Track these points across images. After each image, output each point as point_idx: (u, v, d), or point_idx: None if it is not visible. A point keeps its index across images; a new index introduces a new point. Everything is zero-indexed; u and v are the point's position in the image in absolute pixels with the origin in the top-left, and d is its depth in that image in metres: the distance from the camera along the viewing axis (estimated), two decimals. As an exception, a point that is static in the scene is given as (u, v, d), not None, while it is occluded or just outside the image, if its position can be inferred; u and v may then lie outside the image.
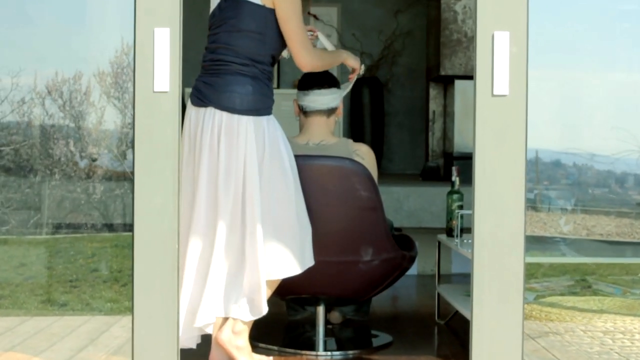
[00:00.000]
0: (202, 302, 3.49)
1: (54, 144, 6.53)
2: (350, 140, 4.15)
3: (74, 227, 6.60)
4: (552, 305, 4.61)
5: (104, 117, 6.55)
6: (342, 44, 8.49)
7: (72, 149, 6.53)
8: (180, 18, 3.05)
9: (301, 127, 4.20)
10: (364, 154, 4.10)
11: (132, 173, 2.84)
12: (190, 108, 3.67)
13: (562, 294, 5.00)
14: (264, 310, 3.58)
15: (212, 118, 3.56)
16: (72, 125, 6.71)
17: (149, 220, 2.94)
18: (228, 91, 3.56)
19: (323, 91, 4.13)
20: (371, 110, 8.21)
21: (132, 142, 2.87)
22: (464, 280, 5.83)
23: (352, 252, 3.98)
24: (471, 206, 3.05)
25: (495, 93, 3.04)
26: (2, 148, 6.43)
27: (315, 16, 8.55)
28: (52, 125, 6.65)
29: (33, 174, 6.59)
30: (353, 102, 8.28)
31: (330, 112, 4.17)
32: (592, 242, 5.70)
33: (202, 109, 3.61)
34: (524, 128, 2.95)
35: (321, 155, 3.94)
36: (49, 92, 6.63)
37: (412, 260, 4.27)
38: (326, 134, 4.14)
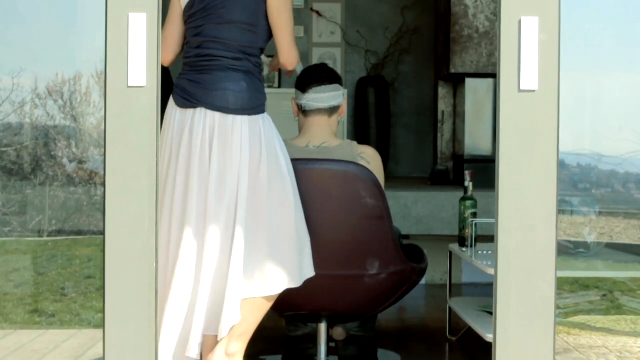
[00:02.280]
0: (194, 330, 3.25)
1: (55, 145, 6.58)
2: (355, 143, 3.94)
3: (76, 231, 6.58)
4: (579, 325, 4.28)
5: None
6: (347, 42, 8.44)
7: (74, 150, 6.58)
8: (160, 2, 2.71)
9: (300, 128, 3.99)
10: (369, 158, 3.90)
11: (104, 181, 2.46)
12: (174, 109, 3.42)
13: (588, 312, 4.69)
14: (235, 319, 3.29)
15: (202, 120, 3.33)
16: (73, 125, 6.79)
17: (122, 236, 2.58)
18: (220, 89, 3.35)
19: (324, 88, 3.91)
20: (376, 110, 8.16)
21: (104, 144, 2.50)
22: (476, 291, 5.93)
23: (357, 265, 3.81)
24: (493, 215, 2.73)
25: (522, 88, 2.71)
26: (4, 149, 6.43)
27: (318, 12, 8.45)
28: (55, 127, 6.74)
29: (34, 176, 6.53)
30: (358, 102, 8.22)
31: (333, 111, 3.95)
32: (617, 252, 5.42)
33: (190, 111, 3.37)
34: (556, 128, 2.62)
35: (323, 159, 3.77)
36: (50, 94, 6.64)
37: (422, 273, 4.08)
38: (328, 136, 3.93)
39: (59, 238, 6.44)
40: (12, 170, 6.50)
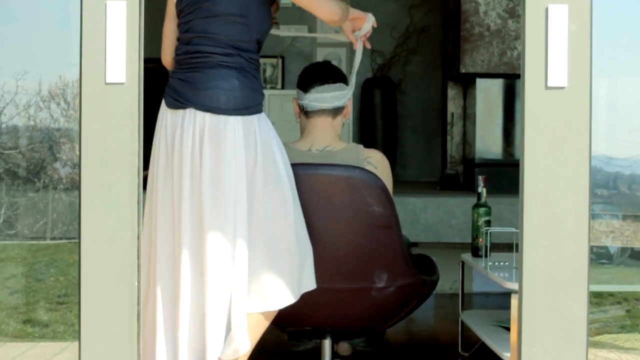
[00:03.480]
0: (208, 354, 3.11)
1: (60, 148, 6.55)
2: (361, 146, 3.78)
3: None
4: (607, 345, 4.02)
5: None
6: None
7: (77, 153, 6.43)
8: (143, -12, 2.43)
9: (302, 131, 3.82)
10: (377, 162, 3.76)
11: (79, 188, 2.18)
12: (165, 111, 3.26)
13: (614, 332, 4.44)
14: (244, 347, 3.17)
15: (192, 121, 3.17)
16: (76, 128, 6.66)
17: (99, 250, 2.29)
18: (210, 87, 3.18)
19: (327, 87, 3.76)
20: (383, 112, 8.09)
21: (79, 147, 2.22)
22: (488, 302, 5.85)
23: (363, 278, 3.68)
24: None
25: (550, 85, 2.48)
26: (8, 151, 6.33)
27: None
28: (58, 129, 6.72)
29: (37, 179, 6.52)
30: (363, 103, 8.16)
31: (337, 112, 3.78)
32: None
33: (180, 112, 3.21)
34: (588, 128, 2.38)
35: (326, 164, 3.63)
36: (52, 97, 6.57)
37: (433, 286, 3.95)
38: (332, 139, 3.76)
39: (61, 242, 6.22)
40: (16, 173, 6.35)
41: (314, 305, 3.52)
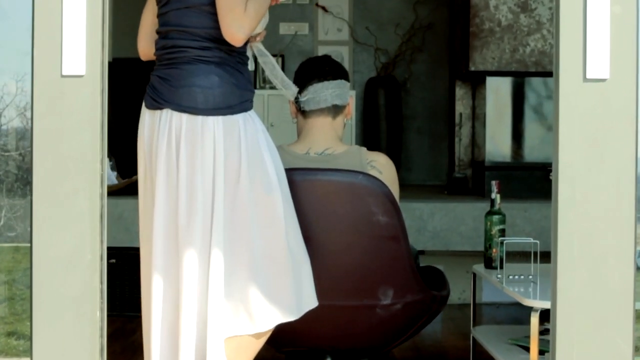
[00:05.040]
0: None
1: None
2: (364, 149, 3.60)
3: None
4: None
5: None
6: (355, 39, 8.37)
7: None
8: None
9: (299, 132, 3.66)
10: (382, 167, 3.59)
11: (30, 199, 1.83)
12: (144, 112, 3.09)
13: None
14: None
15: (167, 123, 2.99)
16: None
17: (54, 273, 1.94)
18: (186, 85, 3.01)
19: (326, 84, 3.57)
20: (387, 113, 8.01)
21: (31, 149, 1.87)
22: (499, 314, 5.74)
23: (368, 295, 3.54)
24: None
25: (589, 77, 2.19)
26: (9, 153, 6.43)
27: (324, 8, 8.26)
28: None
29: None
30: (367, 104, 8.09)
31: (337, 111, 3.60)
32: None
33: (158, 112, 3.04)
34: (634, 126, 2.10)
35: (326, 169, 3.48)
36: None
37: (443, 301, 3.79)
38: (332, 141, 3.58)
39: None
40: (17, 174, 6.40)
41: (313, 324, 3.32)
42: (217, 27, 3.01)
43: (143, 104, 3.11)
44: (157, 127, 3.01)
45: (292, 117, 3.64)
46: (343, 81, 3.59)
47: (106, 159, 2.02)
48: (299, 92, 3.57)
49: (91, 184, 1.97)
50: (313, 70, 3.59)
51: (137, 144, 3.11)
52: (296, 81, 3.59)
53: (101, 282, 1.95)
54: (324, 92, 3.56)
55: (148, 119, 3.06)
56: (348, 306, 3.50)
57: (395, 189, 3.58)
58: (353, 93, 7.65)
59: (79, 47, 2.00)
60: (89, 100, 1.98)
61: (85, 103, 1.98)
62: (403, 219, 3.51)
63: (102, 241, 1.95)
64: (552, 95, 2.28)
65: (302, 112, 3.57)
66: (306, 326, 3.26)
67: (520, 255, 4.20)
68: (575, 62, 2.13)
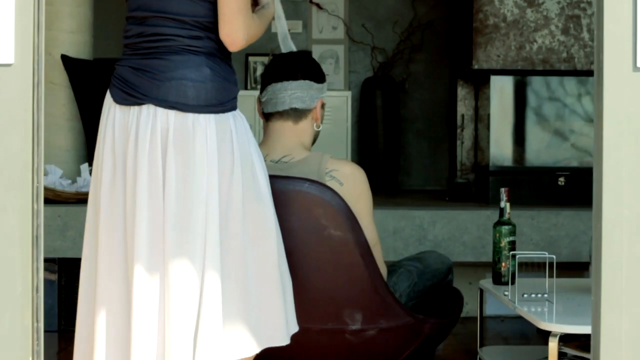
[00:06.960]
0: None
1: None
2: (327, 156, 3.34)
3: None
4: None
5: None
6: (351, 38, 8.36)
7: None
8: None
9: (263, 136, 3.45)
10: (344, 177, 3.31)
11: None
12: (112, 107, 2.83)
13: None
14: None
15: (151, 121, 2.77)
16: None
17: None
18: (175, 78, 2.80)
19: (286, 84, 3.29)
20: (384, 115, 7.96)
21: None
22: (504, 328, 5.62)
23: (332, 318, 3.36)
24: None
25: (639, 65, 1.84)
26: None
27: (318, 5, 8.25)
28: None
29: None
30: (363, 105, 8.05)
31: (299, 115, 3.33)
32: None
33: (135, 108, 2.80)
34: None
35: (278, 176, 3.22)
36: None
37: (445, 327, 3.51)
38: (293, 148, 3.33)
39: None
40: None
41: (283, 348, 3.07)
42: (208, 16, 2.83)
43: (107, 98, 2.86)
44: (135, 125, 2.79)
45: (261, 118, 3.42)
46: (308, 82, 3.32)
47: (43, 168, 1.68)
48: (260, 92, 3.34)
49: (20, 198, 1.62)
50: (276, 68, 3.36)
51: (97, 144, 2.86)
52: (262, 79, 3.39)
53: (36, 320, 1.60)
54: (282, 93, 3.30)
55: (120, 115, 2.81)
56: (313, 329, 3.28)
57: (363, 203, 3.34)
58: (349, 95, 7.62)
59: (7, 34, 1.66)
60: (18, 93, 1.63)
61: (12, 96, 1.63)
62: (364, 235, 3.27)
63: (36, 269, 1.59)
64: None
65: (264, 114, 3.35)
66: (274, 349, 3.03)
67: (528, 266, 4.05)
68: (624, 50, 1.80)
